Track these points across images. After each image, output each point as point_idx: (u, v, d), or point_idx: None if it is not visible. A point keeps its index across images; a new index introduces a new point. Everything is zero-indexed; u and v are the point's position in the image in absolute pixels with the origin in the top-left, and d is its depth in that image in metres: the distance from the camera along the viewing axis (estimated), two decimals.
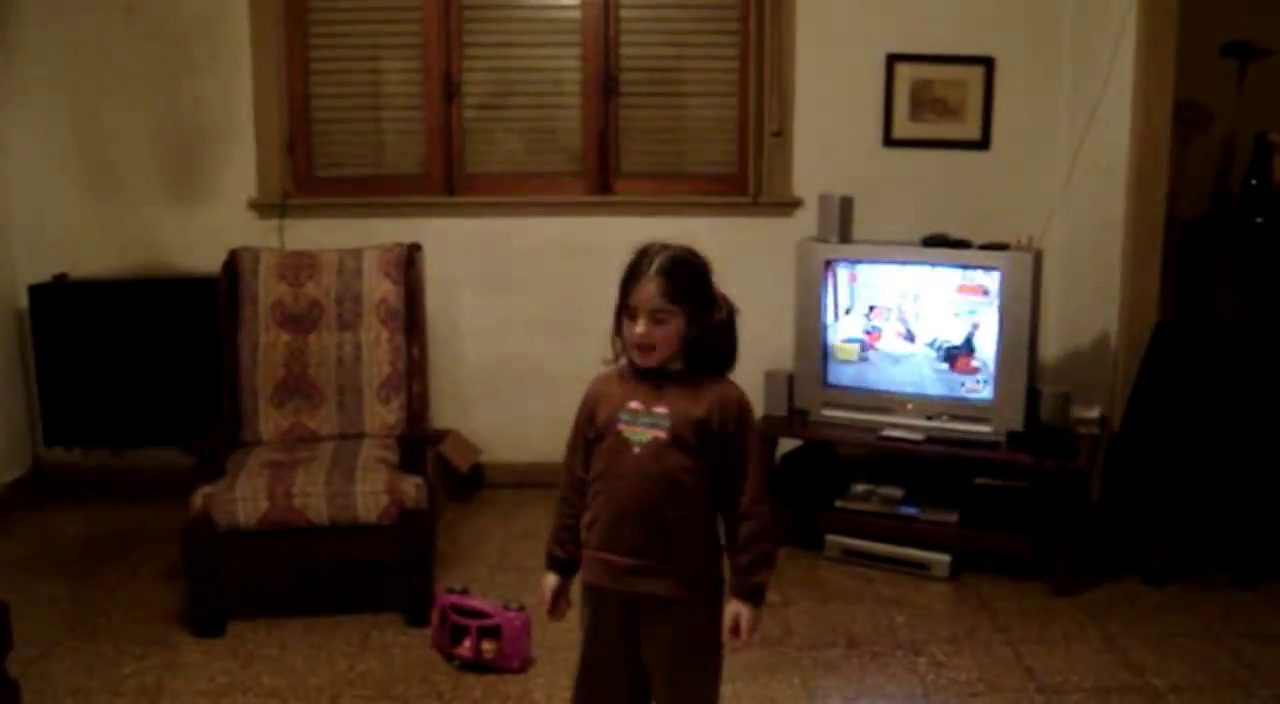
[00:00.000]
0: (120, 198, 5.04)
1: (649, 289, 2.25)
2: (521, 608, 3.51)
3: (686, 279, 2.28)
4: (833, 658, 3.60)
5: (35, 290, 4.87)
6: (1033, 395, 4.20)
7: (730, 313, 2.36)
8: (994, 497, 4.27)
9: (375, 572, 3.94)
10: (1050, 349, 4.91)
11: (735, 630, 2.32)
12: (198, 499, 3.70)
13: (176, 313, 4.86)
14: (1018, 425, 4.16)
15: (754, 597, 2.33)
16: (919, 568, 4.22)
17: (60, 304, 4.88)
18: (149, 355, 4.85)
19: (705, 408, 2.28)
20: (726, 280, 2.31)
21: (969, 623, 3.86)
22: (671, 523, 2.30)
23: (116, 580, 4.17)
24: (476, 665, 3.47)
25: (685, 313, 2.27)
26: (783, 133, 4.97)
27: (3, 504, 4.82)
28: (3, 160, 4.96)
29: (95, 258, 5.01)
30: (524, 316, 5.12)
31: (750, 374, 4.64)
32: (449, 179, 5.11)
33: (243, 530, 3.69)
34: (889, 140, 4.99)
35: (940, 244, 4.34)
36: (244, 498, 3.69)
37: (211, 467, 3.85)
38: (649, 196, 5.06)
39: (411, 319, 4.32)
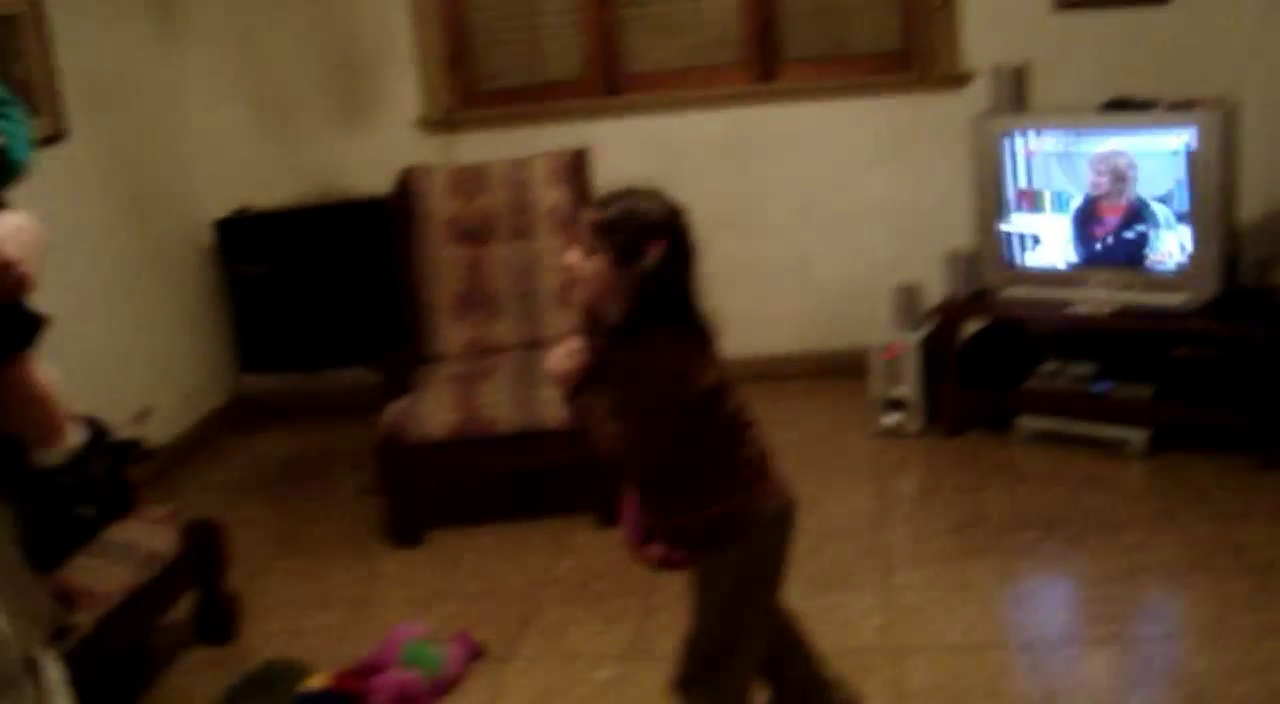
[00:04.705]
0: (289, 127, 5.14)
1: None
2: None
3: None
4: (1028, 541, 3.54)
5: (221, 224, 5.04)
6: (1231, 261, 4.00)
7: None
8: (1192, 368, 4.10)
9: (565, 476, 4.02)
10: (1249, 210, 4.64)
11: None
12: (389, 416, 3.81)
13: (355, 235, 4.96)
14: (1215, 293, 3.95)
15: None
16: (1115, 446, 4.09)
17: (245, 236, 5.05)
18: (332, 279, 4.98)
19: None
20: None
21: (1169, 501, 3.73)
22: None
23: (318, 498, 4.34)
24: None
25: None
26: (948, 1, 4.75)
27: (210, 430, 5.05)
28: (185, 101, 5.11)
29: (272, 188, 5.14)
30: (695, 214, 5.05)
31: (930, 257, 4.54)
32: (610, 80, 5.07)
33: (434, 443, 3.79)
34: (1061, 2, 4.74)
35: (1124, 107, 4.13)
36: (433, 412, 3.78)
37: (399, 383, 3.96)
38: (813, 81, 4.92)
39: None
